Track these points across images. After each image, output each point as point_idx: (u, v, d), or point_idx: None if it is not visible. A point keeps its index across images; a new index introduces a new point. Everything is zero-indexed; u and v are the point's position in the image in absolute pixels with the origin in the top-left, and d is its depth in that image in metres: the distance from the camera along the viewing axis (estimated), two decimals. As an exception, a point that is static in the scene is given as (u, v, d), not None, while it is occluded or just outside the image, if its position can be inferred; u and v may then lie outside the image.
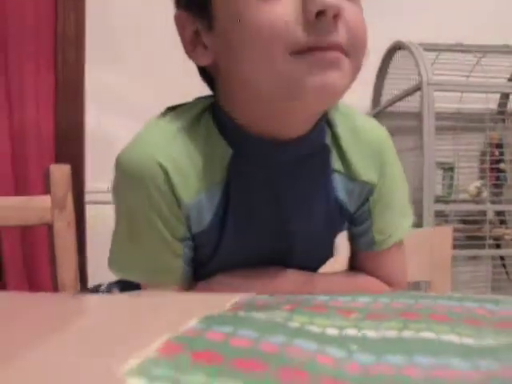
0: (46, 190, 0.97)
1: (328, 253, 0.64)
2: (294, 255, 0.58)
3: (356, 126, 0.57)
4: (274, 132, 0.51)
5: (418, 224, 1.44)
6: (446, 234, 1.08)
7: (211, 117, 0.54)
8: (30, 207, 0.96)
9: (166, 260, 0.54)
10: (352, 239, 0.64)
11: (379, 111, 1.76)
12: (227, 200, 0.53)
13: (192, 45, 0.51)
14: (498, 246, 1.66)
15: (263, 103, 0.50)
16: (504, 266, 1.72)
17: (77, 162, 1.64)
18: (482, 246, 1.54)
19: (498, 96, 1.79)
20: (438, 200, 1.57)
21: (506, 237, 1.58)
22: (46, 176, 0.97)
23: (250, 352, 0.19)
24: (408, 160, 1.58)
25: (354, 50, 0.46)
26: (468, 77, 1.60)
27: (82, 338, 0.21)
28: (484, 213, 1.62)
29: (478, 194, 1.62)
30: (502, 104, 1.81)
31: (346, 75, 0.45)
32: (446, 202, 1.69)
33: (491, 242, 1.59)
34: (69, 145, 1.67)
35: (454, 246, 1.54)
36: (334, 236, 0.62)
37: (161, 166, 0.49)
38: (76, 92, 1.69)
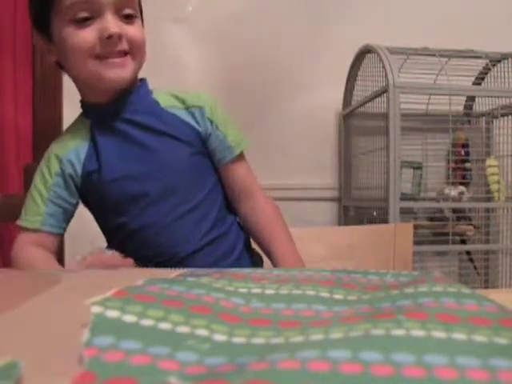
0: (24, 188, 1.00)
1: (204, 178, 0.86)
2: (169, 176, 0.82)
3: (174, 93, 0.86)
4: (100, 100, 0.82)
5: (386, 221, 1.49)
6: (407, 230, 1.14)
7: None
8: (9, 204, 0.99)
9: (34, 203, 0.81)
10: (215, 158, 0.86)
11: (350, 111, 1.82)
12: (95, 143, 0.81)
13: (44, 48, 0.81)
14: (463, 242, 1.73)
15: (85, 86, 0.82)
16: (471, 260, 1.78)
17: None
18: (448, 242, 1.60)
19: (464, 98, 1.86)
20: (406, 198, 1.62)
21: (468, 233, 1.65)
22: (25, 174, 1.00)
23: (175, 297, 0.27)
24: (378, 159, 1.63)
25: (134, 52, 0.78)
26: (435, 80, 1.65)
27: (57, 294, 0.29)
28: (448, 210, 1.69)
29: (460, 197, 1.67)
30: (468, 106, 1.88)
31: (129, 68, 0.78)
32: (416, 200, 1.75)
33: (456, 238, 1.66)
34: (47, 142, 1.68)
35: (422, 242, 1.60)
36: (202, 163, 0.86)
37: (56, 156, 0.84)
38: (54, 90, 1.70)
